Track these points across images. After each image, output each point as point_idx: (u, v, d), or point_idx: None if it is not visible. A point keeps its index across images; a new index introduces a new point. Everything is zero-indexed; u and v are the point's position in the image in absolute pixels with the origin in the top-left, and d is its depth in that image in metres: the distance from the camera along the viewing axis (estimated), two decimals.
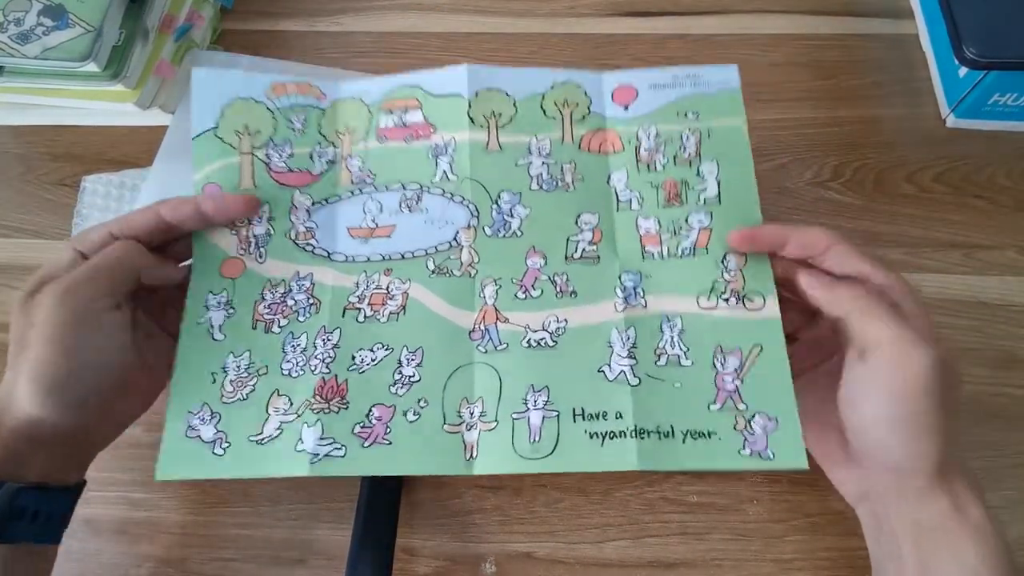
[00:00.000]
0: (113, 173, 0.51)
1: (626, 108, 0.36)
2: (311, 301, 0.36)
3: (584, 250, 0.36)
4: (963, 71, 0.48)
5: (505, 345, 0.34)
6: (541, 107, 0.35)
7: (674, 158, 0.36)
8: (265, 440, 0.33)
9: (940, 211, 0.47)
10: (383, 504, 0.39)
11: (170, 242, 0.38)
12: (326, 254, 0.37)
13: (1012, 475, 0.40)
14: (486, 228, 0.35)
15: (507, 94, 0.35)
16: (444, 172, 0.33)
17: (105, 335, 0.33)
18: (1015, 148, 0.49)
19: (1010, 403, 0.41)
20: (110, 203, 0.50)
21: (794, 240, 0.35)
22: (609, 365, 0.34)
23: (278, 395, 0.34)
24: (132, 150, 0.53)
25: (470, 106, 0.34)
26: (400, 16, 0.58)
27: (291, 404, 0.34)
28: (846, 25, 0.55)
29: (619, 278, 0.35)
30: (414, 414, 0.33)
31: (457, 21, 0.57)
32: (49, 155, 0.53)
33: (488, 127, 0.34)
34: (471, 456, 0.33)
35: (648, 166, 0.36)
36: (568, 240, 0.36)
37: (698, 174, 0.37)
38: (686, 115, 0.36)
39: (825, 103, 0.52)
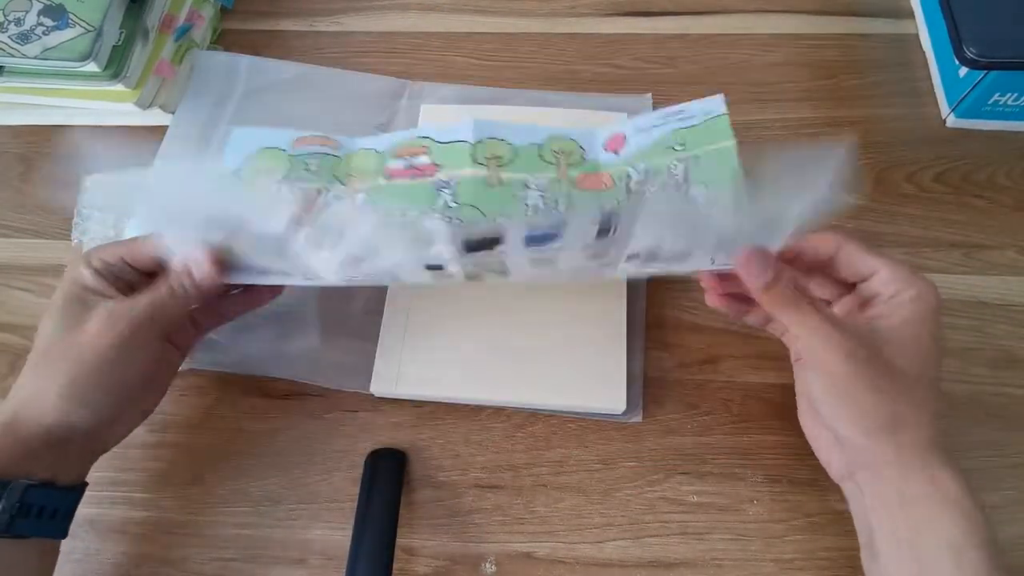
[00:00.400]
0: (113, 173, 0.51)
1: (616, 153, 0.36)
2: None
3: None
4: (963, 71, 0.48)
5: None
6: (539, 154, 0.36)
7: (663, 186, 0.36)
8: None
9: (940, 211, 0.47)
10: (383, 504, 0.39)
11: None
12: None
13: (1012, 475, 0.40)
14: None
15: (508, 143, 0.36)
16: (445, 201, 0.34)
17: (144, 362, 0.36)
18: (1015, 148, 0.49)
19: (1010, 403, 0.41)
20: (111, 203, 0.50)
21: (807, 249, 0.36)
22: None
23: None
24: (132, 150, 0.53)
25: (474, 149, 0.35)
26: (400, 16, 0.58)
27: None
28: (846, 25, 0.55)
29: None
30: None
31: (457, 21, 0.57)
32: (49, 155, 0.53)
33: (489, 167, 0.35)
34: None
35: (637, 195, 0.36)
36: None
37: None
38: (674, 148, 0.36)
39: (825, 103, 0.52)
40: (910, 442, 0.32)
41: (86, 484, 0.37)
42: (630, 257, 0.37)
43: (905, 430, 0.32)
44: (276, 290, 0.41)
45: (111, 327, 0.34)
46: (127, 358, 0.35)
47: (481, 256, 0.36)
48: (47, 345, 0.35)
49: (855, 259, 0.35)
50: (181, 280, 0.36)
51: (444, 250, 0.35)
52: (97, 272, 0.36)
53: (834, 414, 0.34)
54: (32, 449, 0.34)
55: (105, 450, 0.38)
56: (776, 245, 0.34)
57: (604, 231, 0.35)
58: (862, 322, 0.34)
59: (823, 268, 0.36)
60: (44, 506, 0.34)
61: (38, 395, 0.34)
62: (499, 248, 0.36)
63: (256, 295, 0.41)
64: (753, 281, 0.33)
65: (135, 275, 0.37)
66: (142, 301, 0.36)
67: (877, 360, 0.32)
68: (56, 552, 0.36)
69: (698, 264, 0.36)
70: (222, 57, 0.55)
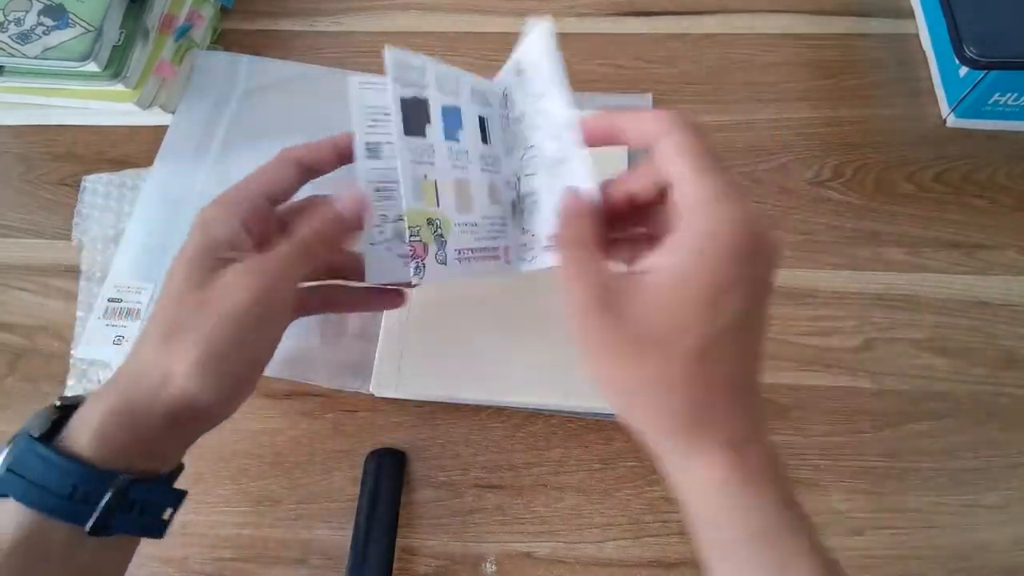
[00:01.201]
0: (113, 173, 0.51)
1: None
2: None
3: None
4: (963, 71, 0.48)
5: None
6: None
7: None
8: None
9: (940, 211, 0.47)
10: (383, 504, 0.39)
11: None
12: None
13: (1012, 475, 0.40)
14: None
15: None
16: None
17: (278, 330, 0.32)
18: (1015, 148, 0.49)
19: (1010, 403, 0.41)
20: (110, 203, 0.50)
21: (630, 128, 0.30)
22: None
23: None
24: (132, 150, 0.53)
25: None
26: (401, 15, 0.58)
27: None
28: (846, 25, 0.55)
29: None
30: None
31: (458, 20, 0.57)
32: (49, 155, 0.53)
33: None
34: None
35: None
36: None
37: None
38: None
39: (825, 103, 0.52)
40: (666, 431, 0.26)
41: (183, 467, 0.33)
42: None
43: (656, 418, 0.26)
44: (398, 300, 0.39)
45: (249, 287, 0.30)
46: (265, 324, 0.31)
47: (416, 144, 0.34)
48: (173, 316, 0.30)
49: (667, 158, 0.27)
50: (325, 220, 0.32)
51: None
52: (228, 220, 0.32)
53: (587, 373, 0.27)
54: (141, 438, 0.30)
55: (208, 430, 0.33)
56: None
57: (484, 138, 0.37)
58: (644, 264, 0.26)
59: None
60: (146, 501, 0.30)
61: (161, 376, 0.29)
62: (428, 130, 0.35)
63: (377, 297, 0.38)
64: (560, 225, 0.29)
65: (267, 223, 0.33)
66: (282, 251, 0.31)
67: (631, 314, 0.25)
68: (134, 551, 0.32)
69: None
70: (222, 57, 0.55)
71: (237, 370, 0.31)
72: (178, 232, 0.46)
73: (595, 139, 0.31)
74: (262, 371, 0.33)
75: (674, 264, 0.25)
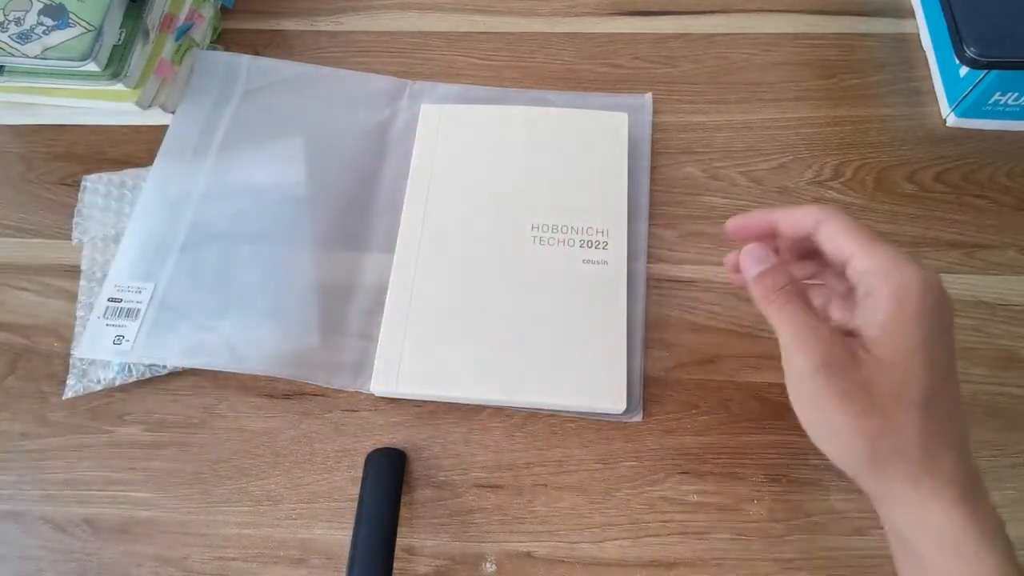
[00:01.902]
0: (113, 172, 0.51)
1: None
2: None
3: None
4: (964, 70, 0.48)
5: None
6: None
7: None
8: None
9: (941, 210, 0.47)
10: (383, 503, 0.39)
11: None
12: None
13: (1012, 475, 0.40)
14: None
15: None
16: None
17: None
18: (1016, 147, 0.49)
19: (1010, 403, 0.41)
20: (111, 202, 0.50)
21: (784, 221, 0.33)
22: None
23: None
24: (132, 150, 0.53)
25: None
26: (400, 15, 0.58)
27: None
28: (846, 24, 0.55)
29: None
30: None
31: (457, 20, 0.57)
32: (49, 155, 0.53)
33: None
34: None
35: None
36: None
37: None
38: None
39: (825, 102, 0.52)
40: (895, 475, 0.28)
41: None
42: None
43: (889, 461, 0.28)
44: None
45: None
46: None
47: None
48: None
49: (834, 240, 0.31)
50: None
51: None
52: None
53: (810, 431, 0.30)
54: None
55: None
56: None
57: None
58: (848, 324, 0.30)
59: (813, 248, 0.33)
60: None
61: None
62: None
63: None
64: (746, 271, 0.32)
65: None
66: None
67: (853, 372, 0.28)
68: None
69: None
70: (222, 57, 0.55)
71: None
72: (178, 232, 0.47)
73: (750, 235, 0.34)
74: None
75: (882, 323, 0.28)
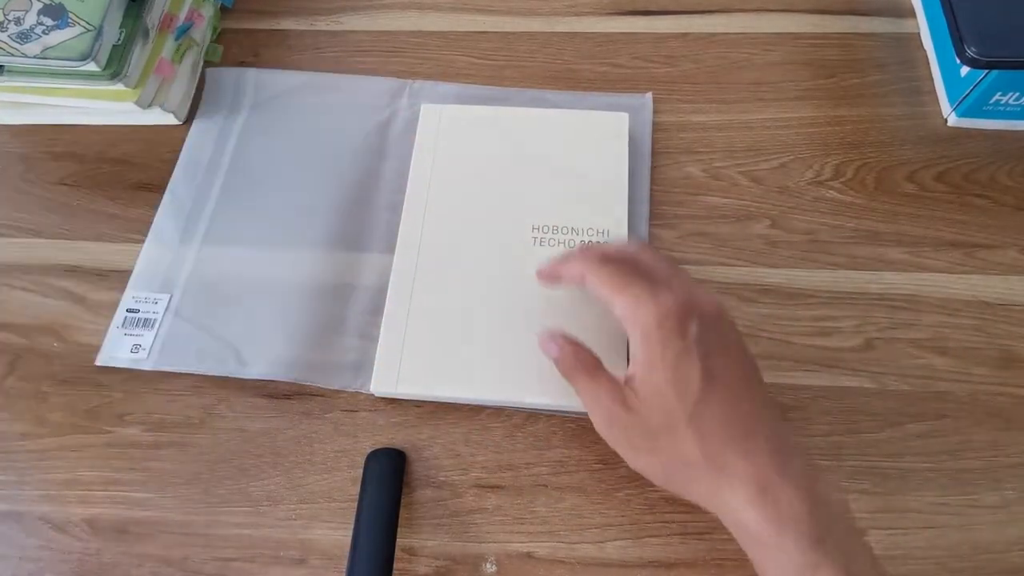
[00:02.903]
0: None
1: None
2: None
3: None
4: (964, 70, 0.48)
5: None
6: None
7: None
8: None
9: (941, 210, 0.47)
10: (383, 503, 0.39)
11: None
12: None
13: (1012, 475, 0.40)
14: None
15: None
16: None
17: None
18: (1017, 147, 0.49)
19: (1010, 403, 0.41)
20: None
21: (565, 276, 0.38)
22: None
23: None
24: (132, 149, 0.53)
25: None
26: (400, 15, 0.58)
27: None
28: (847, 24, 0.55)
29: None
30: None
31: (457, 20, 0.57)
32: (49, 155, 0.53)
33: None
34: None
35: None
36: None
37: None
38: None
39: (826, 102, 0.52)
40: (697, 489, 0.32)
41: None
42: None
43: (687, 479, 0.32)
44: None
45: None
46: None
47: None
48: None
49: (596, 292, 0.35)
50: None
51: None
52: None
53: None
54: None
55: None
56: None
57: None
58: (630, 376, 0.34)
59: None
60: None
61: None
62: None
63: None
64: (547, 353, 0.38)
65: None
66: None
67: (628, 421, 0.33)
68: None
69: None
70: (231, 73, 0.56)
71: None
72: (192, 245, 0.48)
73: (555, 282, 0.40)
74: None
75: (640, 363, 0.33)
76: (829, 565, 0.28)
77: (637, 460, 0.34)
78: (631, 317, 0.33)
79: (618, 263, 0.36)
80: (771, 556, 0.30)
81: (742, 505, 0.30)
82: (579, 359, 0.36)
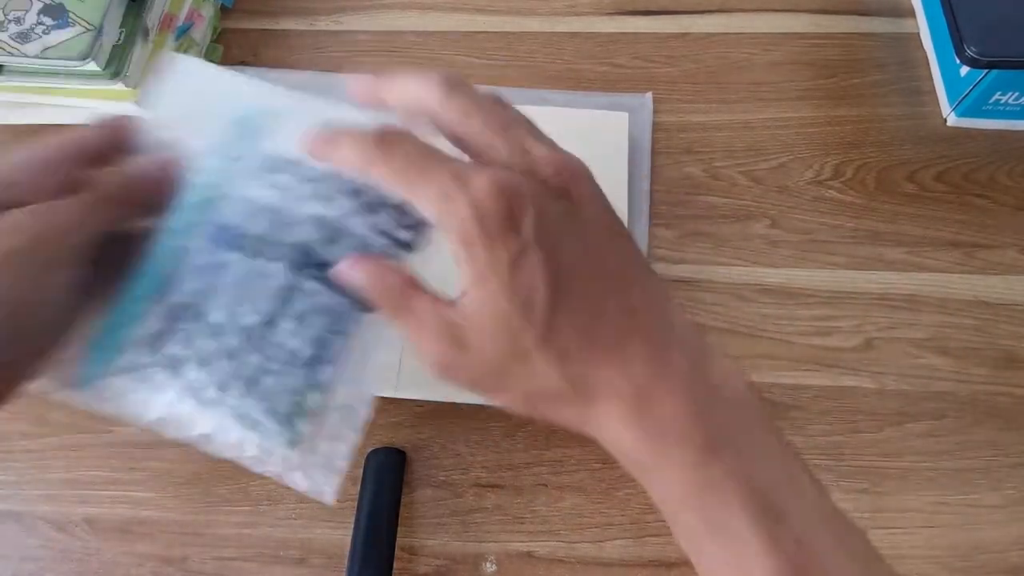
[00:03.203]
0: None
1: None
2: None
3: None
4: (964, 70, 0.48)
5: None
6: None
7: None
8: None
9: (941, 210, 0.47)
10: (383, 503, 0.39)
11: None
12: None
13: (1012, 475, 0.40)
14: None
15: None
16: None
17: (59, 284, 0.26)
18: (1016, 147, 0.49)
19: (1010, 403, 0.41)
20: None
21: (335, 159, 0.27)
22: None
23: None
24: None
25: None
26: (400, 15, 0.58)
27: None
28: (847, 24, 0.55)
29: None
30: None
31: (457, 19, 0.57)
32: None
33: None
34: None
35: None
36: None
37: None
38: None
39: (826, 102, 0.52)
40: (565, 413, 0.26)
41: None
42: None
43: (549, 403, 0.25)
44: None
45: (26, 229, 0.25)
46: (41, 271, 0.25)
47: None
48: None
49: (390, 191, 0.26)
50: (135, 175, 0.27)
51: None
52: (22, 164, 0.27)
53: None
54: None
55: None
56: None
57: None
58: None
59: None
60: None
61: None
62: None
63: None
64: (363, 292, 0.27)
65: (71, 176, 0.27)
66: (80, 198, 0.26)
67: (465, 361, 0.25)
68: None
69: None
70: (224, 73, 0.55)
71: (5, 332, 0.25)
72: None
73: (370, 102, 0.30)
74: (41, 343, 0.26)
75: (465, 285, 0.24)
76: (722, 480, 0.23)
77: (492, 400, 0.26)
78: (443, 221, 0.24)
79: (410, 141, 0.26)
80: (655, 479, 0.25)
81: (616, 428, 0.25)
82: (387, 285, 0.26)
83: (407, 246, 0.28)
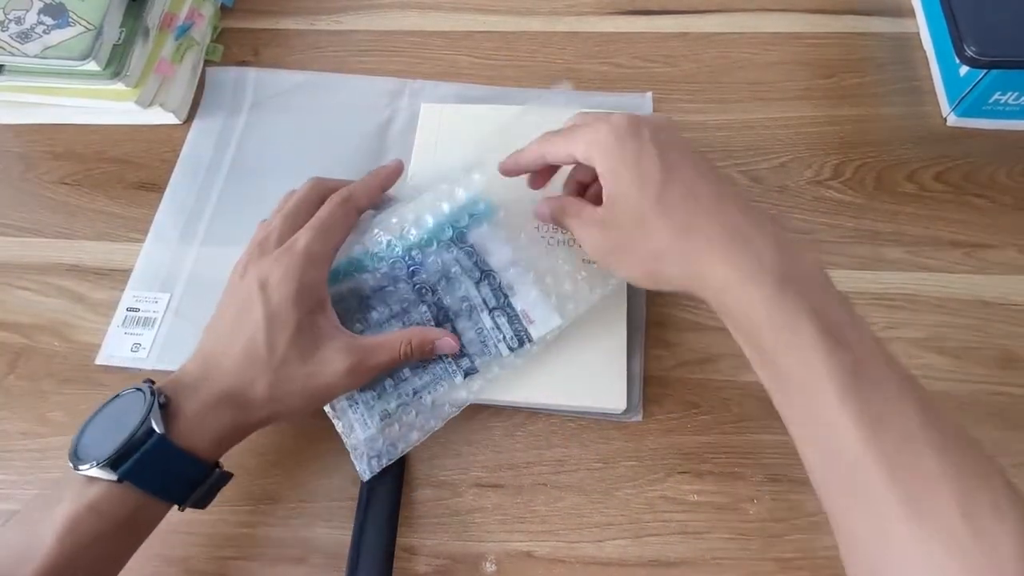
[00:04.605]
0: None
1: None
2: None
3: None
4: (964, 70, 0.48)
5: None
6: None
7: None
8: None
9: (941, 210, 0.47)
10: (383, 503, 0.39)
11: None
12: None
13: (1012, 475, 0.39)
14: None
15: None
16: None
17: None
18: (1016, 147, 0.49)
19: (1010, 403, 0.41)
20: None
21: (523, 162, 0.40)
22: None
23: None
24: (132, 149, 0.53)
25: None
26: (401, 14, 0.58)
27: None
28: (847, 23, 0.55)
29: None
30: None
31: (458, 19, 0.57)
32: (49, 154, 0.53)
33: None
34: None
35: None
36: None
37: None
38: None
39: (826, 102, 0.52)
40: (680, 276, 0.34)
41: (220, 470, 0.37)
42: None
43: (669, 270, 0.34)
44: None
45: (352, 370, 0.37)
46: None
47: None
48: (282, 369, 0.36)
49: (556, 155, 0.38)
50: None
51: None
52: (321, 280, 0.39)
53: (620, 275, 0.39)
54: (232, 439, 0.36)
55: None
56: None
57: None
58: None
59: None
60: (217, 484, 0.36)
61: (262, 399, 0.35)
62: None
63: None
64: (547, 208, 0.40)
65: None
66: (382, 355, 0.38)
67: (610, 231, 0.35)
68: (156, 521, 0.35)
69: None
70: (231, 72, 0.56)
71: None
72: (192, 244, 0.48)
73: (520, 172, 0.42)
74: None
75: (606, 182, 0.35)
76: (793, 299, 0.29)
77: (620, 267, 0.36)
78: (594, 150, 0.35)
79: (560, 130, 0.39)
80: (742, 307, 0.31)
81: (714, 265, 0.31)
82: (564, 204, 0.39)
83: (509, 344, 0.41)
